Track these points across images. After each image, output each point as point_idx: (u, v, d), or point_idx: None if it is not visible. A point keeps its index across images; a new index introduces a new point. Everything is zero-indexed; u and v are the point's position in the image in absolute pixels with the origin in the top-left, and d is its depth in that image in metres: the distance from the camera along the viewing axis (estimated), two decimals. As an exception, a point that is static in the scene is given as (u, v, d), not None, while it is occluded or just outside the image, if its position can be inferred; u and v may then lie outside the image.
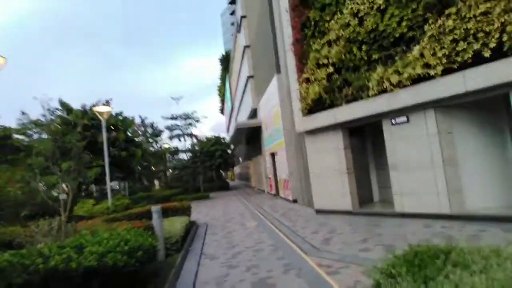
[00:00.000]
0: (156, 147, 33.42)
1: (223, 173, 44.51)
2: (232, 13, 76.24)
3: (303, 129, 10.52)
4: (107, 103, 17.49)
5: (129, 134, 18.51)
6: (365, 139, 11.11)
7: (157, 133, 33.56)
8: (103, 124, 14.56)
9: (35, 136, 18.44)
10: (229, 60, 44.11)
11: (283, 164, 15.47)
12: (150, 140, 33.45)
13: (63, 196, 11.61)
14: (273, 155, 18.54)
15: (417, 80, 7.42)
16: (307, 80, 10.13)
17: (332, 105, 9.51)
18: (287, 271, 5.38)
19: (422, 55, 7.25)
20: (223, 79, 51.78)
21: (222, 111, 66.61)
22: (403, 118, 8.10)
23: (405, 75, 7.57)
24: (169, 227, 8.23)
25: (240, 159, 42.86)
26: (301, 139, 12.26)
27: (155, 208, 7.15)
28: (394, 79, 7.77)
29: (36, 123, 17.39)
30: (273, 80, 15.84)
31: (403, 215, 8.15)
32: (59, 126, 16.58)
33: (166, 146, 32.59)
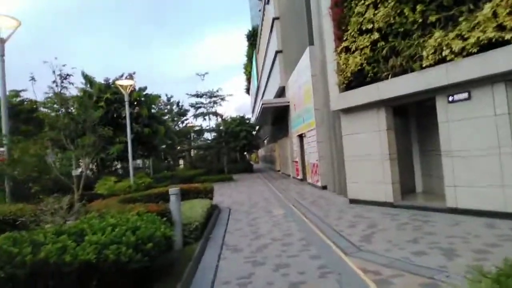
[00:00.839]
0: (181, 126, 33.02)
1: (247, 155, 43.85)
2: (260, -9, 74.02)
3: (339, 107, 9.31)
4: (130, 77, 16.85)
5: (153, 111, 17.86)
6: (408, 119, 9.76)
7: (182, 112, 33.09)
8: (126, 98, 13.91)
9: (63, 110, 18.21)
10: (256, 36, 42.57)
11: (313, 147, 14.34)
12: (176, 118, 33.05)
13: (76, 172, 11.14)
14: (301, 137, 17.40)
15: (486, 47, 6.05)
16: (347, 50, 8.85)
17: (375, 79, 8.23)
18: (324, 275, 4.40)
19: (495, 14, 5.85)
20: (249, 56, 50.33)
21: (247, 90, 65.39)
22: (464, 95, 6.75)
23: (472, 40, 6.19)
24: (189, 211, 7.45)
25: (265, 141, 41.91)
26: (335, 119, 11.05)
27: (173, 190, 6.31)
28: (457, 45, 6.40)
29: (61, 97, 17.04)
30: (305, 53, 14.52)
31: (456, 211, 6.91)
32: (81, 99, 16.11)
33: (191, 125, 32.08)
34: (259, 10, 52.21)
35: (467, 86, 6.61)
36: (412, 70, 7.37)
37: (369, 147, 8.78)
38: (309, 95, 14.47)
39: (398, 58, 7.67)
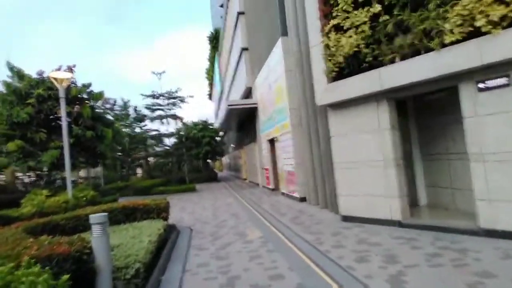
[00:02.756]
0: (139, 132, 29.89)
1: (211, 163, 41.38)
2: (222, -5, 72.16)
3: (327, 101, 7.47)
4: (69, 69, 14.05)
5: (98, 110, 15.11)
6: (407, 117, 8.17)
7: (140, 117, 29.99)
8: (61, 93, 11.19)
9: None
10: (218, 38, 40.54)
11: (287, 152, 12.48)
12: (133, 124, 29.91)
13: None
14: (272, 141, 15.52)
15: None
16: (337, 28, 7.06)
17: (374, 65, 6.50)
18: None
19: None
20: (212, 60, 48.14)
21: (210, 96, 62.96)
22: (501, 80, 5.15)
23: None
24: (130, 242, 5.17)
25: (230, 148, 39.74)
26: (319, 118, 9.25)
27: (96, 217, 3.99)
28: (496, 12, 4.80)
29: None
30: (276, 46, 12.71)
31: (495, 234, 5.25)
32: (6, 96, 13.08)
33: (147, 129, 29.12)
34: (221, 6, 50.23)
35: (506, 68, 5.02)
36: (427, 51, 5.70)
37: (367, 150, 7.01)
38: (282, 94, 12.64)
39: (407, 36, 5.99)
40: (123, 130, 27.91)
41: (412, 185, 7.97)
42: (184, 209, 12.86)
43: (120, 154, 28.61)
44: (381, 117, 6.71)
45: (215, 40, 44.23)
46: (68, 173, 11.79)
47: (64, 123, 11.11)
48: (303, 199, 11.45)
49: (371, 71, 6.48)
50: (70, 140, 12.91)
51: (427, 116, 7.71)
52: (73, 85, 14.38)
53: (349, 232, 6.60)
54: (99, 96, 14.69)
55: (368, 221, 7.06)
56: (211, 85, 57.82)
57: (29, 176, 15.98)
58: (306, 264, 5.02)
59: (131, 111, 30.72)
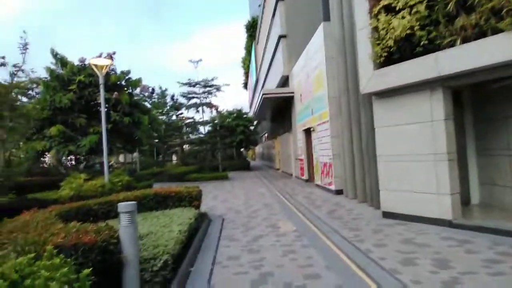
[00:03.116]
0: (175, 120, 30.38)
1: (244, 152, 41.41)
2: (260, -17, 71.23)
3: (373, 89, 6.88)
4: (109, 57, 14.29)
5: (136, 98, 15.33)
6: (462, 108, 7.38)
7: (177, 106, 30.44)
8: (101, 80, 11.38)
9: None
10: (256, 26, 40.02)
11: (325, 143, 11.94)
12: (171, 113, 30.47)
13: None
14: (308, 131, 14.99)
15: None
16: (388, 9, 6.42)
17: (430, 49, 5.83)
18: None
19: None
20: (248, 48, 47.78)
21: (245, 85, 62.77)
22: None
23: None
24: (160, 231, 5.01)
25: (264, 137, 39.49)
26: (361, 107, 8.66)
27: (124, 205, 3.79)
28: None
29: (32, 80, 14.42)
30: (317, 32, 12.09)
31: None
32: (50, 82, 13.55)
33: (183, 117, 29.49)
34: (259, 6, 49.74)
35: None
36: (495, 33, 4.98)
37: (416, 143, 6.39)
38: (321, 82, 12.05)
39: (472, 15, 5.27)
40: (160, 118, 28.50)
41: (464, 182, 7.22)
42: (216, 197, 12.77)
43: (156, 141, 29.27)
44: (435, 107, 6.05)
45: (252, 28, 43.78)
46: (105, 158, 12.05)
47: (103, 109, 11.31)
48: (339, 192, 10.92)
49: (427, 56, 5.82)
50: (108, 126, 13.20)
51: (485, 107, 6.90)
52: (113, 72, 14.66)
53: (392, 230, 6.08)
54: (136, 83, 14.87)
55: (413, 219, 6.48)
56: (247, 74, 57.56)
57: (70, 160, 16.64)
58: (345, 264, 4.61)
59: (168, 99, 31.35)
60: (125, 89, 14.78)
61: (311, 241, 5.82)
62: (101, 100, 11.47)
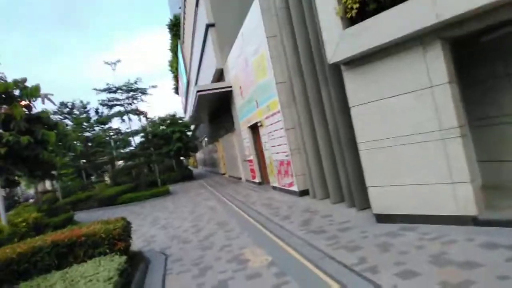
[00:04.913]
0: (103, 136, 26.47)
1: (184, 160, 38.51)
2: (179, -16, 67.99)
3: (346, 55, 5.14)
4: (-12, 63, 10.93)
5: (37, 110, 12.03)
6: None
7: (103, 119, 26.57)
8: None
9: None
10: (179, 24, 37.30)
11: (278, 137, 10.17)
12: (96, 128, 26.50)
13: None
14: (254, 128, 13.16)
15: None
16: None
17: (416, -8, 4.27)
18: None
19: None
20: (174, 49, 44.72)
21: (176, 90, 59.33)
22: None
23: None
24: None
25: (203, 142, 36.98)
26: (318, 88, 7.01)
27: None
28: None
29: None
30: (253, 7, 10.25)
31: None
32: None
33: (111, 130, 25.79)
34: (179, 7, 46.93)
35: None
36: None
37: (411, 119, 4.81)
38: (264, 67, 10.26)
39: None
40: (85, 134, 24.56)
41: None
42: (156, 221, 10.31)
43: (84, 161, 25.27)
44: (433, 67, 4.51)
45: (175, 27, 40.90)
46: (-3, 193, 8.98)
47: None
48: (304, 193, 9.24)
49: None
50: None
51: (476, 67, 5.62)
52: (1, 80, 11.27)
53: (403, 241, 4.42)
54: (34, 92, 11.57)
55: (420, 219, 4.92)
56: (176, 78, 54.26)
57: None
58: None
59: (92, 113, 27.37)
60: (19, 101, 11.46)
61: (302, 282, 3.89)
62: (-21, 118, 8.42)
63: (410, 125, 4.84)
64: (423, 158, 4.78)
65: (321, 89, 7.09)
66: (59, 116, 26.73)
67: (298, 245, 5.22)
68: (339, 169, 7.03)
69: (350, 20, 5.06)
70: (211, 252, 5.78)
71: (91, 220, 13.95)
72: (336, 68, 6.29)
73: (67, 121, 27.17)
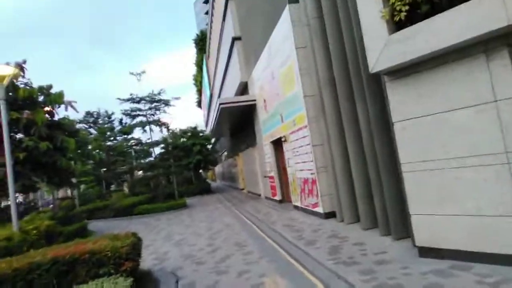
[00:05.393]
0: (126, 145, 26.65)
1: (203, 173, 38.24)
2: (206, 1, 69.87)
3: (391, 63, 4.53)
4: (18, 66, 10.96)
5: (59, 117, 11.96)
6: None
7: (126, 129, 26.79)
8: (1, 94, 8.19)
9: None
10: (205, 39, 37.75)
11: (303, 153, 9.55)
12: (119, 137, 26.73)
13: None
14: (278, 143, 12.58)
15: None
16: None
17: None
18: None
19: None
20: (199, 64, 45.26)
21: (199, 104, 59.83)
22: None
23: None
24: None
25: (223, 155, 36.66)
26: (353, 101, 6.40)
27: None
28: None
29: None
30: (282, 18, 9.84)
31: None
32: None
33: (133, 140, 25.84)
34: (206, 13, 47.88)
35: None
36: None
37: (469, 139, 4.12)
38: (291, 79, 9.76)
39: None
40: (107, 143, 24.72)
41: None
42: (170, 236, 9.78)
43: (105, 169, 25.40)
44: (499, 79, 3.84)
45: (201, 42, 41.45)
46: (12, 197, 8.72)
47: (5, 131, 8.15)
48: (329, 215, 8.51)
49: (481, -3, 3.62)
50: (16, 155, 9.79)
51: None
52: (26, 86, 11.30)
53: (456, 283, 3.66)
54: (57, 98, 11.55)
55: (475, 257, 4.15)
56: (199, 91, 54.78)
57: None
58: None
59: (116, 123, 27.73)
60: (42, 107, 11.44)
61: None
62: (3, 120, 8.29)
63: (466, 146, 4.15)
64: (482, 184, 4.05)
65: (356, 102, 6.48)
66: (84, 125, 27.25)
67: (327, 277, 4.53)
68: (374, 192, 6.32)
69: (397, 24, 4.48)
70: (226, 278, 5.15)
71: (106, 230, 13.66)
72: (375, 80, 5.70)
73: (92, 130, 27.66)
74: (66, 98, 11.83)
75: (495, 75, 3.86)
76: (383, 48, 4.58)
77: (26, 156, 10.52)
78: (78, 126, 27.20)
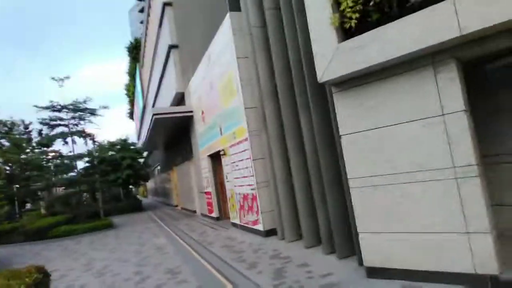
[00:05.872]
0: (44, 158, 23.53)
1: (134, 189, 35.74)
2: (141, 10, 67.46)
3: (341, 72, 4.27)
4: None
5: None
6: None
7: (45, 141, 23.69)
8: None
9: None
10: (139, 47, 35.97)
11: (243, 168, 9.08)
12: (37, 150, 23.54)
13: None
14: (216, 156, 11.98)
15: None
16: None
17: (427, 2, 3.62)
18: None
19: None
20: (131, 72, 42.94)
21: (131, 115, 56.57)
22: None
23: None
24: None
25: (156, 170, 34.70)
26: (295, 114, 6.15)
27: None
28: None
29: None
30: (223, 26, 9.42)
31: None
32: None
33: (51, 154, 22.97)
34: (141, 22, 45.89)
35: None
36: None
37: (417, 153, 4.00)
38: (232, 90, 9.32)
39: None
40: (22, 156, 21.61)
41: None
42: (91, 263, 8.48)
43: (17, 186, 22.09)
44: (446, 92, 3.78)
45: (135, 50, 39.44)
46: None
47: None
48: (270, 233, 8.10)
49: (440, 4, 3.53)
50: None
51: (487, 95, 5.03)
52: None
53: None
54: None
55: (426, 276, 3.99)
56: (132, 102, 51.82)
57: None
58: None
59: (35, 134, 24.50)
60: None
61: None
62: None
63: (415, 160, 4.02)
64: (431, 200, 3.93)
65: (300, 115, 6.22)
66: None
67: (274, 308, 4.02)
68: (318, 208, 6.03)
69: (347, 32, 4.29)
70: (157, 316, 4.35)
71: (11, 259, 11.55)
72: (320, 91, 5.49)
73: (3, 141, 24.11)
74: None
75: (442, 88, 3.80)
76: (332, 56, 4.34)
77: None
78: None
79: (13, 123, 24.99)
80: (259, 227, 8.42)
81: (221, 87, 10.24)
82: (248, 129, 8.48)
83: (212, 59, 10.76)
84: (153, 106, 24.55)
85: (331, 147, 5.58)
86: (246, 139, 8.64)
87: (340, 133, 4.69)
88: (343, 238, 5.47)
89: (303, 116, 6.14)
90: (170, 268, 6.75)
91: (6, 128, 24.78)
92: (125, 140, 26.21)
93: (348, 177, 4.62)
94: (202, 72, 12.13)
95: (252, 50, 7.93)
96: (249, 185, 8.75)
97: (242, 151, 9.00)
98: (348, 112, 4.59)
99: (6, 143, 23.76)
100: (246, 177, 8.93)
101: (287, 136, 6.83)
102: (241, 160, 9.18)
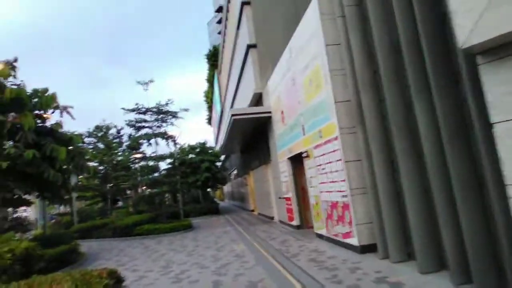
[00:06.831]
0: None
1: (211, 192, 36.65)
2: (219, 21, 70.42)
3: (497, 32, 3.03)
4: (7, 64, 9.75)
5: (50, 123, 10.68)
6: None
7: (134, 145, 25.55)
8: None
9: None
10: (217, 54, 37.03)
11: (331, 171, 7.94)
12: (127, 153, 25.52)
13: None
14: (297, 159, 11.01)
15: None
16: None
17: None
18: None
19: None
20: (210, 79, 44.55)
21: (209, 120, 59.00)
22: None
23: None
24: None
25: (232, 174, 35.09)
26: (404, 104, 4.84)
27: None
28: None
29: None
30: (309, 10, 8.46)
31: None
32: None
33: (137, 155, 24.50)
34: (219, 33, 47.64)
35: None
36: None
37: None
38: (319, 83, 8.28)
39: None
40: (114, 157, 23.55)
41: None
42: (168, 267, 8.13)
43: (111, 185, 24.05)
44: None
45: (213, 57, 40.83)
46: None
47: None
48: (367, 249, 6.80)
49: None
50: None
51: None
52: (14, 86, 10.08)
53: None
54: (49, 101, 10.27)
55: None
56: (210, 108, 54.03)
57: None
58: None
59: (125, 138, 26.59)
60: (32, 110, 10.16)
61: None
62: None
63: None
64: None
65: (414, 103, 4.91)
66: (93, 139, 26.17)
67: None
68: (442, 223, 4.64)
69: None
70: None
71: (98, 254, 12.07)
72: (445, 70, 4.17)
73: (100, 145, 26.51)
74: (57, 97, 10.52)
75: None
76: (485, 9, 3.07)
77: (9, 166, 9.15)
78: (86, 140, 26.33)
79: (108, 127, 27.25)
80: (353, 241, 7.17)
81: (305, 81, 9.27)
82: (339, 126, 7.34)
83: (295, 52, 9.87)
84: (232, 106, 24.66)
85: (464, 142, 4.20)
86: (336, 138, 7.50)
87: (492, 120, 3.35)
88: (485, 265, 4.03)
89: (419, 104, 4.82)
90: (253, 281, 5.93)
91: (102, 132, 27.20)
92: (204, 144, 26.77)
93: (507, 182, 3.25)
94: (282, 69, 11.31)
95: (345, 35, 6.84)
96: (340, 191, 7.57)
97: (331, 152, 7.87)
98: (504, 89, 3.24)
99: (101, 145, 26.10)
100: (335, 181, 7.77)
101: (395, 132, 5.54)
102: (329, 163, 8.05)
